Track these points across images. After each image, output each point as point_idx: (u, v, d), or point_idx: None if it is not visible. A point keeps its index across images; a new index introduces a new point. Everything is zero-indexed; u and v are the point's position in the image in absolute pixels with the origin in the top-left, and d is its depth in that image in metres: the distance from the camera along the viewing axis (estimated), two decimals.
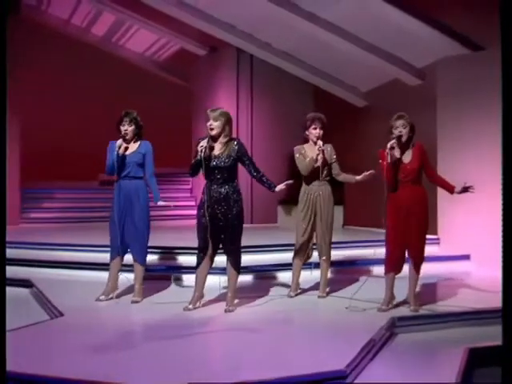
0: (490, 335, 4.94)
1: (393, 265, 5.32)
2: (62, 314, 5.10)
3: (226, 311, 5.30)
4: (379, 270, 6.39)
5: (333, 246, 6.09)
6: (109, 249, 6.01)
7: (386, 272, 5.37)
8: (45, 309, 5.75)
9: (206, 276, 5.42)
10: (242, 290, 5.77)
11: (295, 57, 9.98)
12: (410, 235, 5.31)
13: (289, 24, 8.78)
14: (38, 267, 7.20)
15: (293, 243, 6.35)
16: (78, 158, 12.52)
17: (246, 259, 5.87)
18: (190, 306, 5.33)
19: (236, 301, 5.47)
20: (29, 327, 4.77)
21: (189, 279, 6.52)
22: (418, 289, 5.63)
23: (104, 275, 6.47)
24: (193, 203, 11.65)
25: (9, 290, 6.44)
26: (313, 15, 8.45)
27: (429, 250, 5.74)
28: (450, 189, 5.43)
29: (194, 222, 11.20)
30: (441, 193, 8.44)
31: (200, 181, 11.10)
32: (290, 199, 10.53)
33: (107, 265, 6.16)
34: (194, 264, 6.42)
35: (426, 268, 5.71)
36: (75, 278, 6.87)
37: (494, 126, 7.57)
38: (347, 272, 7.13)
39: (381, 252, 5.89)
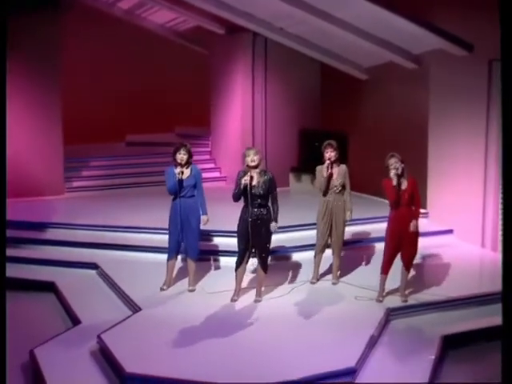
0: (463, 319, 6.69)
1: (387, 268, 6.93)
2: (140, 308, 6.64)
3: (255, 301, 6.89)
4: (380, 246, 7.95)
5: None
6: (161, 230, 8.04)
7: (382, 273, 6.95)
8: (116, 294, 7.38)
9: (243, 275, 6.96)
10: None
11: (306, 39, 11.00)
12: (404, 245, 6.85)
13: (302, 18, 9.87)
14: (103, 249, 8.58)
15: (307, 223, 8.58)
16: (104, 122, 13.45)
17: None
18: (236, 298, 6.92)
19: (262, 289, 7.02)
20: (121, 324, 6.29)
21: (223, 261, 8.20)
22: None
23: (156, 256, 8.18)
24: (212, 165, 12.81)
25: (77, 271, 8.17)
26: (326, 13, 9.54)
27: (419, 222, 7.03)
28: (416, 215, 6.88)
29: (213, 184, 12.55)
30: (430, 173, 9.93)
31: (220, 144, 12.46)
32: (299, 167, 11.96)
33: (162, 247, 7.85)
34: (228, 247, 8.24)
35: None
36: (134, 259, 8.33)
37: (482, 117, 8.95)
38: (353, 249, 8.60)
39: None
